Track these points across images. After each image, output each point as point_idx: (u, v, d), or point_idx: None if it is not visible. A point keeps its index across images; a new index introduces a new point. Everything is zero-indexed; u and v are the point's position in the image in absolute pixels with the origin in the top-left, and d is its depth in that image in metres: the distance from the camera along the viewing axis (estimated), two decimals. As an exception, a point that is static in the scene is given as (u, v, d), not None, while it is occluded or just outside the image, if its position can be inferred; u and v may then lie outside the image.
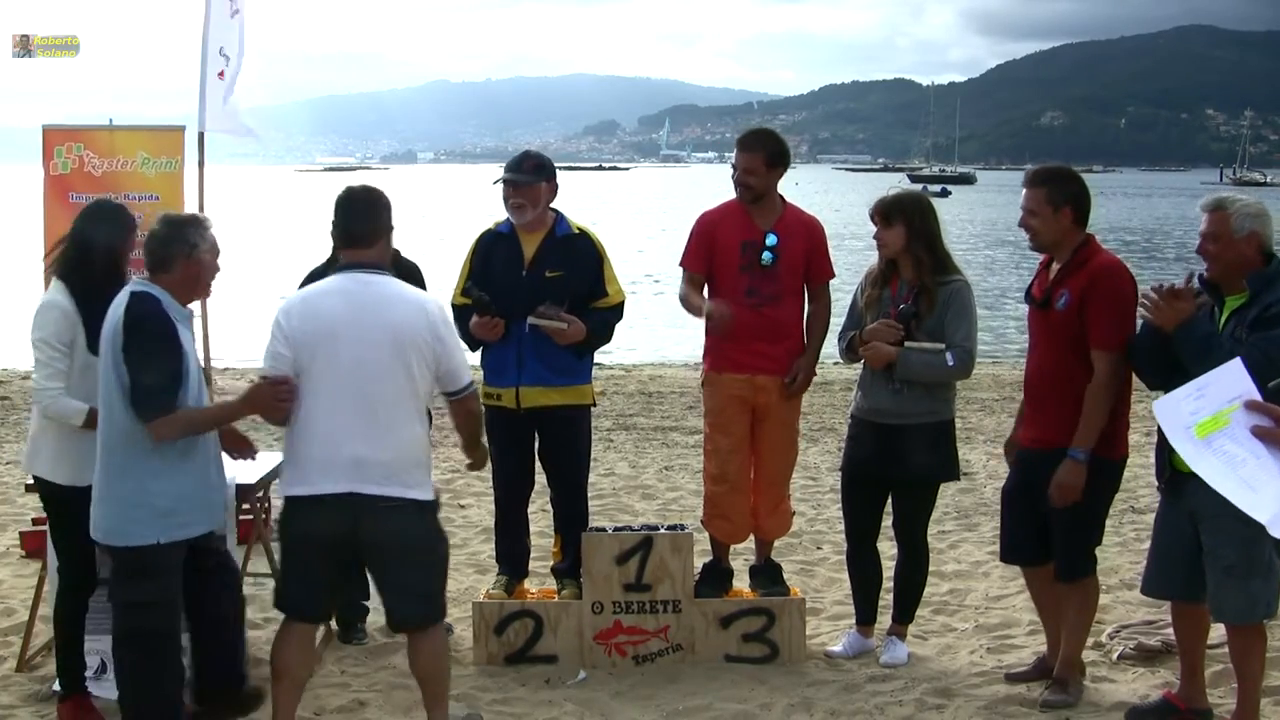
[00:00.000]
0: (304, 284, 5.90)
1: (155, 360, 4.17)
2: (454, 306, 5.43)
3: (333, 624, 5.68)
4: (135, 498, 4.19)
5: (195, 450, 4.31)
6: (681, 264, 5.63)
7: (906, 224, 5.24)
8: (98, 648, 5.05)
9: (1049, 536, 4.99)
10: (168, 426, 4.16)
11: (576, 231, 5.55)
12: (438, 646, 4.42)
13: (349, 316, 4.17)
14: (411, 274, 5.73)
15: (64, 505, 4.67)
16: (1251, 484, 3.83)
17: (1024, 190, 4.89)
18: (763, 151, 5.42)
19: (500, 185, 5.49)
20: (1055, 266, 4.88)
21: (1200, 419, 3.99)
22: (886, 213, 5.28)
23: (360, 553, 4.25)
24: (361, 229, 4.34)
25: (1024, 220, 4.89)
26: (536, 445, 5.65)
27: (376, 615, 6.25)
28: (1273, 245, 4.40)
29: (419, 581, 4.30)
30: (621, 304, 5.63)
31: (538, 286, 5.37)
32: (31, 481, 4.89)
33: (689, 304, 5.57)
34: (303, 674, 4.43)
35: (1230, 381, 4.00)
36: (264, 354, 4.23)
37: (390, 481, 4.16)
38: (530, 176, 5.44)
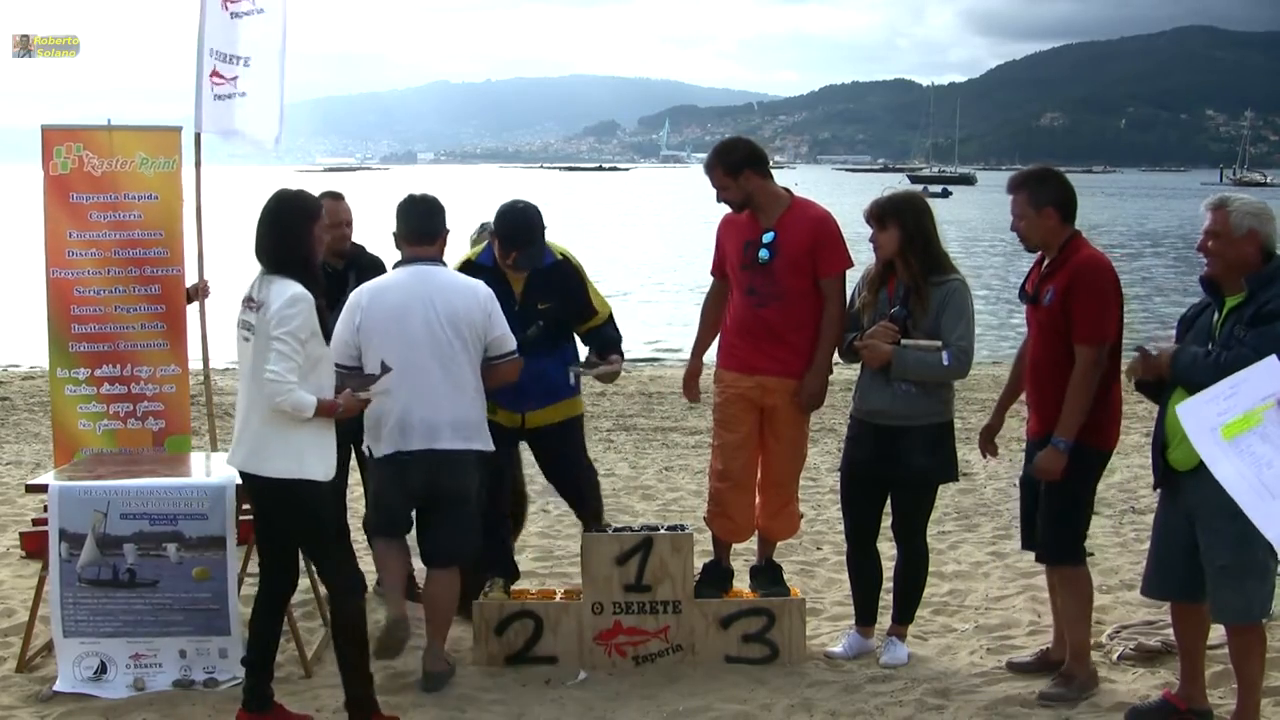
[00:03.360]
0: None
1: None
2: None
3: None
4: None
5: None
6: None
7: (901, 225, 5.24)
8: (97, 649, 5.05)
9: None
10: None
11: (559, 258, 5.56)
12: (454, 581, 5.15)
13: (417, 303, 4.95)
14: (375, 267, 5.79)
15: (318, 502, 4.52)
16: (1273, 489, 3.80)
17: (1009, 196, 5.00)
18: (719, 165, 5.38)
19: (493, 228, 5.52)
20: (1046, 263, 4.98)
21: (1229, 419, 3.95)
22: (881, 214, 5.27)
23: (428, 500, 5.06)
24: (428, 229, 5.14)
25: (1013, 225, 5.03)
26: (536, 460, 5.84)
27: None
28: (1274, 244, 4.42)
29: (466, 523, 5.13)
30: (612, 314, 5.70)
31: (531, 319, 5.41)
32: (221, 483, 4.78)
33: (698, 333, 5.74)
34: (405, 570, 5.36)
35: (1265, 379, 3.96)
36: (335, 336, 4.78)
37: (456, 438, 4.96)
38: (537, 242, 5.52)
